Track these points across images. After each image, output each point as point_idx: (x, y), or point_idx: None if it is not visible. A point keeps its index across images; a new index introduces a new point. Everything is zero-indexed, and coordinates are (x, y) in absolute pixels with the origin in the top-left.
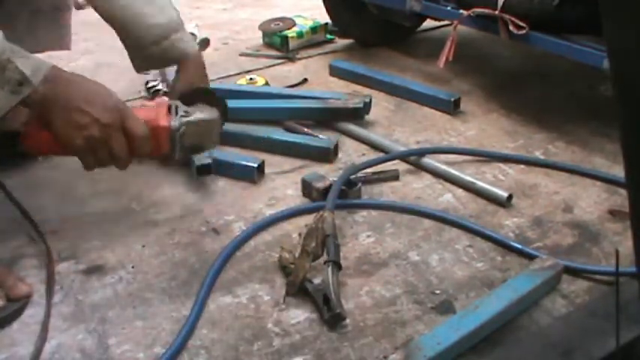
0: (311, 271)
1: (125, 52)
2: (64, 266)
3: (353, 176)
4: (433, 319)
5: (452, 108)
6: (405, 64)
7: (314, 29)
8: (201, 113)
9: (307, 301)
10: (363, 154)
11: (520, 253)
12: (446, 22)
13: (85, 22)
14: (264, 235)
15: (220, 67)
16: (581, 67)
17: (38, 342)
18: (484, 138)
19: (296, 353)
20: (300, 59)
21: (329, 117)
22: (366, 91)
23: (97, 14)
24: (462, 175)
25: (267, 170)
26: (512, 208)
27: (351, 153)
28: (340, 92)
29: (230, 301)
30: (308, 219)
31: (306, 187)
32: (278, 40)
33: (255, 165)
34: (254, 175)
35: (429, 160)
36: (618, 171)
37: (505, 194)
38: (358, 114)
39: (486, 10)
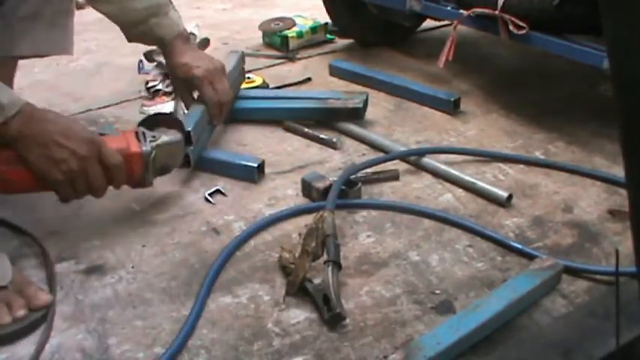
0: (311, 271)
1: (125, 52)
2: (64, 266)
3: (353, 176)
4: (433, 319)
5: (452, 108)
6: (405, 64)
7: (314, 29)
8: (166, 136)
9: (307, 301)
10: (363, 154)
11: (520, 253)
12: (446, 22)
13: (85, 22)
14: (264, 235)
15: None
16: (581, 67)
17: (40, 341)
18: (484, 138)
19: (296, 353)
20: (300, 59)
21: (328, 117)
22: (366, 90)
23: (97, 14)
24: (462, 175)
25: (267, 170)
26: (512, 208)
27: (351, 153)
28: (337, 91)
29: (230, 301)
30: (308, 219)
31: (306, 187)
32: (278, 40)
33: (256, 165)
34: (254, 176)
35: (429, 160)
36: (618, 171)
37: (505, 194)
38: (358, 114)
39: (486, 10)
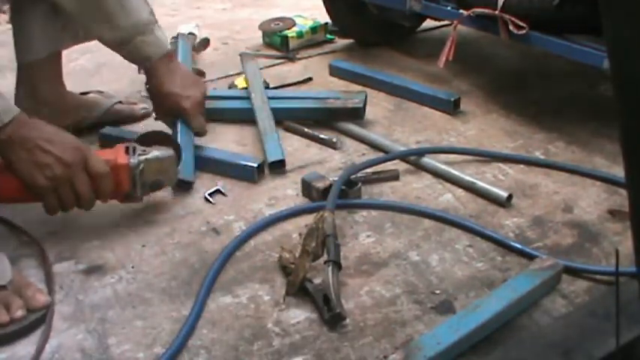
0: (311, 271)
1: None
2: (64, 266)
3: (353, 176)
4: (433, 319)
5: (452, 108)
6: (405, 64)
7: (314, 29)
8: (157, 152)
9: (307, 301)
10: (363, 154)
11: (520, 253)
12: (446, 22)
13: None
14: (264, 235)
15: (220, 67)
16: (581, 67)
17: (40, 341)
18: (484, 138)
19: (296, 353)
20: (300, 59)
21: (328, 117)
22: (365, 90)
23: None
24: (462, 175)
25: (267, 170)
26: (512, 208)
27: (351, 153)
28: (337, 91)
29: (230, 301)
30: (308, 219)
31: (306, 187)
32: (278, 40)
33: (255, 165)
34: (254, 176)
35: (429, 160)
36: (618, 171)
37: (505, 194)
38: (357, 114)
39: (486, 10)
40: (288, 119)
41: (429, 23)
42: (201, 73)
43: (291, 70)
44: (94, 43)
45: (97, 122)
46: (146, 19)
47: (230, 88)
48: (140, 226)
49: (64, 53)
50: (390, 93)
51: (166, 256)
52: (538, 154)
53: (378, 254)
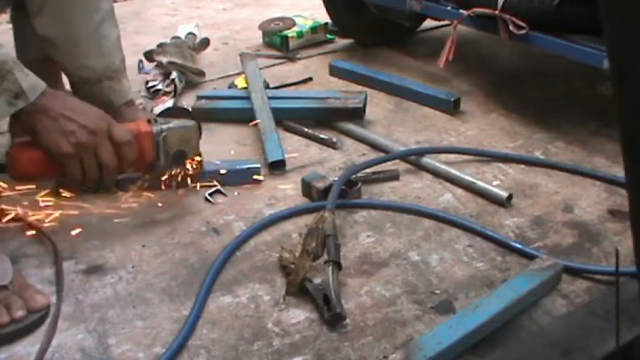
0: (311, 271)
1: (125, 52)
2: (64, 266)
3: (353, 176)
4: (433, 319)
5: (452, 108)
6: (405, 64)
7: (314, 29)
8: (180, 122)
9: (307, 301)
10: (363, 154)
11: (520, 253)
12: (446, 22)
13: None
14: (264, 235)
15: (220, 67)
16: (581, 67)
17: (44, 340)
18: (484, 138)
19: (296, 353)
20: (300, 59)
21: (328, 117)
22: (366, 90)
23: None
24: (462, 175)
25: (266, 170)
26: (512, 208)
27: (351, 153)
28: (337, 91)
29: (230, 301)
30: (308, 219)
31: (306, 187)
32: (278, 40)
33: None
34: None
35: (429, 160)
36: (618, 171)
37: (505, 194)
38: (358, 114)
39: (486, 10)
40: (288, 119)
41: (429, 23)
42: (201, 74)
43: (291, 70)
44: None
45: None
46: (116, 66)
47: (230, 87)
48: (140, 226)
49: None
50: (390, 93)
51: (166, 256)
52: (538, 154)
53: (378, 254)
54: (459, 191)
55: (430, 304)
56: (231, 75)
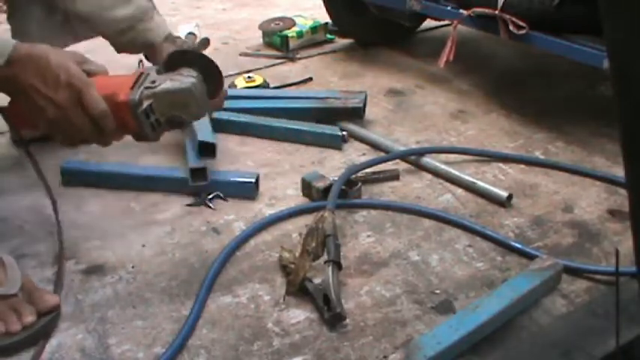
0: (311, 271)
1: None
2: None
3: (353, 176)
4: (433, 319)
5: (339, 142)
6: (405, 64)
7: (314, 29)
8: (170, 82)
9: (307, 301)
10: (363, 154)
11: (520, 252)
12: (446, 22)
13: None
14: (264, 235)
15: (220, 67)
16: (581, 67)
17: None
18: (484, 138)
19: (296, 353)
20: (300, 59)
21: (328, 117)
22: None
23: None
24: (462, 175)
25: (267, 170)
26: (512, 208)
27: (351, 153)
28: (337, 90)
29: (230, 301)
30: (308, 219)
31: (306, 187)
32: (278, 40)
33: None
34: (251, 192)
35: (429, 160)
36: (618, 171)
37: (505, 194)
38: (358, 113)
39: (486, 10)
40: (288, 119)
41: (429, 23)
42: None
43: (291, 70)
44: (96, 43)
45: None
46: (145, 6)
47: (230, 87)
48: (140, 226)
49: None
50: (272, 138)
51: (166, 256)
52: (538, 154)
53: (378, 254)
54: (459, 191)
55: (430, 304)
56: (232, 75)
